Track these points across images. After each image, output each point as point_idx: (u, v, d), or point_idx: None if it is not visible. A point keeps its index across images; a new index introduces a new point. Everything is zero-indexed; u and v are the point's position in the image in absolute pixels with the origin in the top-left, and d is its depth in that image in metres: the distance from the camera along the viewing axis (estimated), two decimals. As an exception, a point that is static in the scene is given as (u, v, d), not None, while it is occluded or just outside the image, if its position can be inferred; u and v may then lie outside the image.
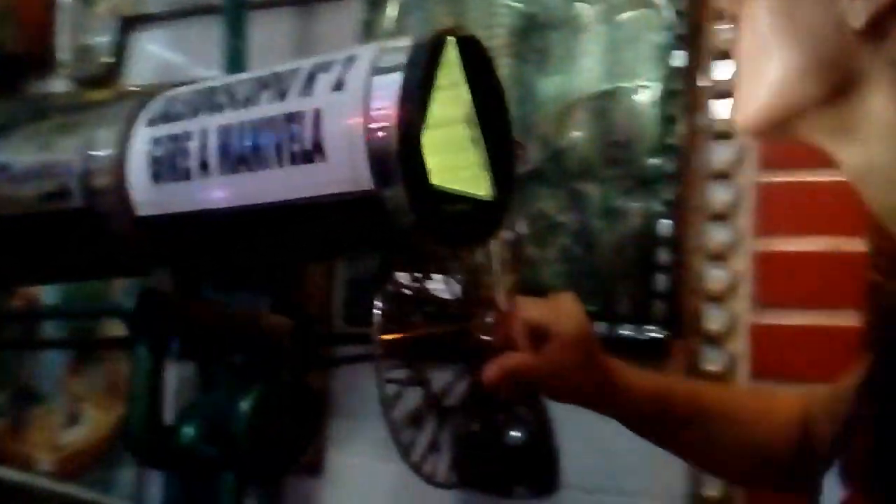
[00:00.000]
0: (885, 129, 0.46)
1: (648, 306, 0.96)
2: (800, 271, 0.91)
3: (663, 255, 0.96)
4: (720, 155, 0.96)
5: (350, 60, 0.45)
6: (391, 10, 1.16)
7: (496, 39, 1.06)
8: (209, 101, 0.50)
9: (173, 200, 0.50)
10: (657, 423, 0.69)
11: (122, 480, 1.28)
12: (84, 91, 1.41)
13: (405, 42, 0.45)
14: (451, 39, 0.47)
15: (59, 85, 1.53)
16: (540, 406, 0.95)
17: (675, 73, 0.97)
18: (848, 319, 0.88)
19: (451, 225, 0.47)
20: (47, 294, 1.40)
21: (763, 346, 0.93)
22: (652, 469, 0.95)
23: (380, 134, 0.42)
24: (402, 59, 0.44)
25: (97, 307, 1.20)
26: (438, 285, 0.69)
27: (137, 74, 1.45)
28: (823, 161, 0.89)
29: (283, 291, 0.68)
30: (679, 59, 0.97)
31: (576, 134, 1.02)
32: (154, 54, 1.46)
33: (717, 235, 0.95)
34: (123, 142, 0.52)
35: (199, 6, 1.36)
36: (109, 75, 1.47)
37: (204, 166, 0.48)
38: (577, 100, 1.02)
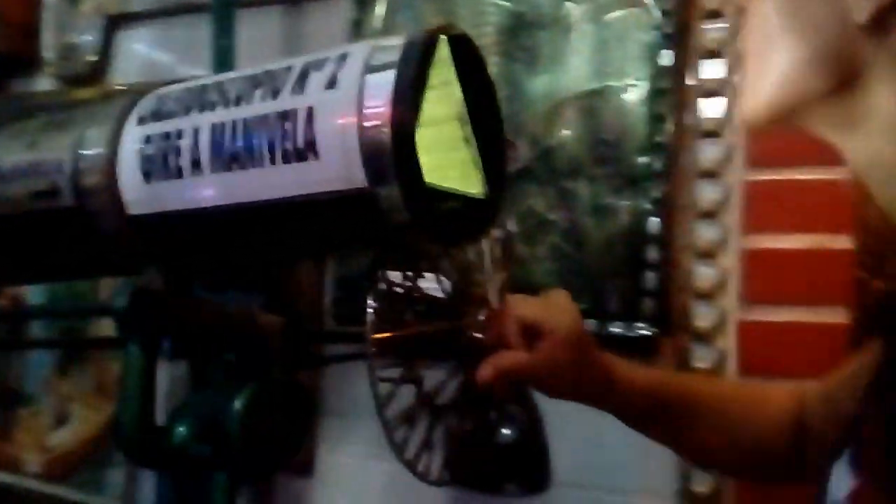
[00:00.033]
0: (888, 121, 0.47)
1: (638, 304, 0.96)
2: (787, 268, 0.92)
3: (652, 253, 0.96)
4: (708, 153, 0.97)
5: (343, 58, 0.45)
6: (379, 9, 1.16)
7: (484, 38, 1.06)
8: (201, 99, 0.49)
9: (165, 199, 0.50)
10: (652, 417, 0.70)
11: (112, 481, 1.28)
12: (69, 90, 1.40)
13: (398, 40, 0.45)
14: (443, 38, 0.47)
15: (43, 83, 1.52)
16: (531, 404, 0.95)
17: (662, 71, 0.98)
18: (834, 316, 0.88)
19: (444, 223, 0.47)
20: (33, 294, 1.39)
21: (751, 342, 0.93)
22: (642, 465, 0.96)
23: (374, 132, 0.42)
24: (395, 57, 0.44)
25: (88, 306, 1.19)
26: (430, 284, 0.69)
27: (123, 73, 1.45)
28: (810, 159, 0.91)
29: (274, 290, 0.68)
30: (667, 57, 0.98)
31: (565, 132, 1.02)
32: (140, 53, 1.45)
33: (705, 233, 0.96)
34: (114, 140, 0.52)
35: (186, 4, 1.35)
36: (95, 74, 1.46)
37: (196, 164, 0.48)
38: (565, 98, 1.02)
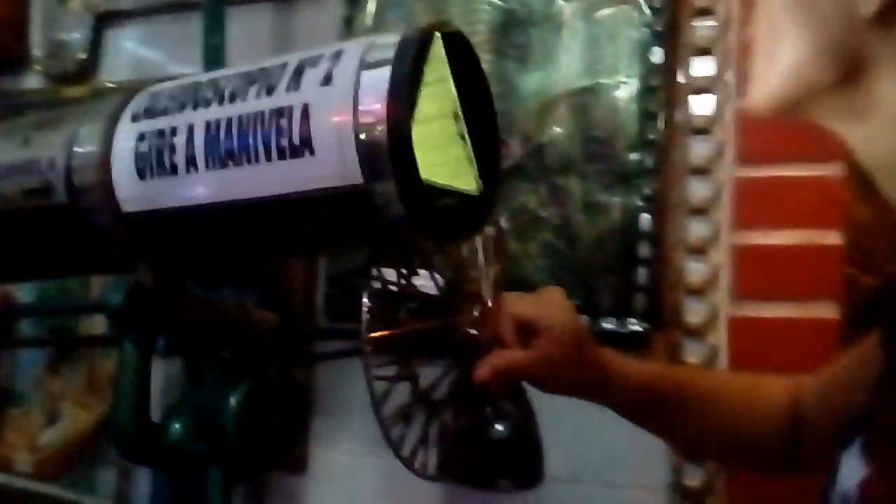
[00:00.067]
0: (894, 113, 0.47)
1: (630, 300, 0.97)
2: (777, 264, 0.93)
3: (644, 250, 0.97)
4: (698, 150, 0.97)
5: (338, 55, 0.45)
6: (370, 6, 1.16)
7: (476, 35, 1.06)
8: (195, 96, 0.49)
9: (159, 196, 0.50)
10: (648, 409, 0.70)
11: (104, 480, 1.27)
12: (59, 88, 1.40)
13: (393, 37, 0.45)
14: (437, 35, 0.47)
15: (32, 81, 1.51)
16: (524, 399, 0.95)
17: (653, 69, 0.98)
18: (824, 311, 0.89)
19: (439, 219, 0.47)
20: (23, 292, 1.38)
21: (741, 337, 0.94)
22: (634, 460, 0.96)
23: (370, 129, 0.42)
24: (390, 54, 0.44)
25: (81, 304, 1.19)
26: (423, 281, 0.69)
27: (112, 71, 1.44)
28: (799, 156, 0.92)
29: (268, 287, 0.68)
30: (657, 55, 0.98)
31: (556, 129, 1.02)
32: (129, 51, 1.44)
33: (696, 229, 0.96)
34: (108, 137, 0.51)
35: (175, 2, 1.35)
36: (83, 72, 1.45)
37: (191, 162, 0.48)
38: (557, 96, 1.03)
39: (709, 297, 0.95)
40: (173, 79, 0.54)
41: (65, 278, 1.20)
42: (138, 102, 0.52)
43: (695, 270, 0.96)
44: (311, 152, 0.44)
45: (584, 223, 1.00)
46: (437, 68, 0.48)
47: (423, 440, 0.65)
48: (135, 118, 0.51)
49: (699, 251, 0.96)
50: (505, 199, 1.01)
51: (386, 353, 0.63)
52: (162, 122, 0.50)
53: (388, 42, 0.45)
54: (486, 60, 1.05)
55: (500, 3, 1.07)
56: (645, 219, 0.97)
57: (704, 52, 0.97)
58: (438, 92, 0.49)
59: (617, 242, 0.98)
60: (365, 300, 0.62)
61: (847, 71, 0.48)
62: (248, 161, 0.46)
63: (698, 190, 0.97)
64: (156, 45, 1.41)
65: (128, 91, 0.53)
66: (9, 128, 0.58)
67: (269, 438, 0.56)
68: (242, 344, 0.57)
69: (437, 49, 0.48)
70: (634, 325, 0.96)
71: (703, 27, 0.97)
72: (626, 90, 0.99)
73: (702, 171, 0.97)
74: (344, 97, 0.43)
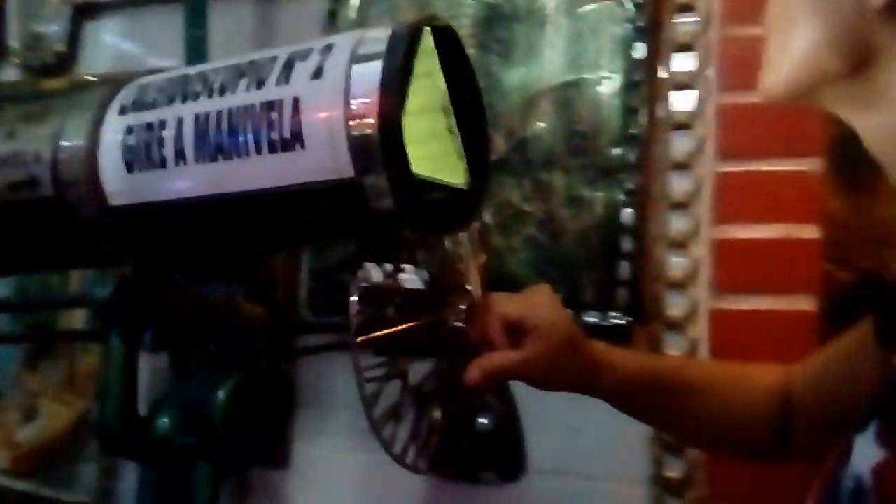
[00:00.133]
0: None
1: (612, 293, 0.97)
2: (757, 258, 0.94)
3: (626, 244, 0.98)
4: (679, 145, 0.98)
5: (328, 49, 0.45)
6: (354, 0, 1.16)
7: (460, 30, 1.05)
8: (184, 89, 0.49)
9: (148, 190, 0.50)
10: (639, 400, 0.71)
11: (84, 477, 1.26)
12: (39, 80, 1.38)
13: (383, 31, 0.45)
14: (427, 29, 0.47)
15: (9, 74, 1.49)
16: (507, 393, 0.96)
17: (635, 64, 0.99)
18: (803, 304, 0.91)
19: (429, 213, 0.48)
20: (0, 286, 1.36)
21: (722, 330, 0.95)
22: (615, 452, 0.97)
23: (361, 122, 0.43)
24: (381, 48, 0.44)
25: (66, 298, 1.18)
26: (409, 276, 0.69)
27: (91, 64, 1.42)
28: (779, 151, 0.93)
29: (253, 281, 0.68)
30: (639, 50, 0.99)
31: (540, 124, 1.03)
32: (109, 44, 1.42)
33: (677, 224, 0.97)
34: (95, 130, 0.51)
35: (157, -6, 1.33)
36: (62, 65, 1.43)
37: (180, 155, 0.48)
38: (540, 90, 1.03)
39: (689, 290, 0.96)
40: (157, 72, 0.54)
41: (51, 272, 1.19)
42: (126, 95, 0.52)
43: (675, 264, 0.97)
44: (302, 146, 0.44)
45: (568, 217, 1.00)
46: (427, 62, 0.49)
47: (413, 436, 0.65)
48: (122, 111, 0.51)
49: (680, 245, 0.97)
50: (489, 194, 1.02)
51: (376, 353, 0.63)
52: (150, 115, 0.50)
53: (378, 36, 0.45)
54: (469, 55, 1.05)
55: (483, -3, 1.07)
56: (627, 213, 0.98)
57: (686, 48, 0.98)
58: (428, 86, 0.49)
59: (599, 236, 0.99)
60: (353, 300, 0.61)
61: (858, 61, 0.49)
62: (238, 154, 0.46)
63: (679, 184, 0.98)
64: (136, 38, 1.39)
65: (115, 84, 0.53)
66: (-11, 120, 0.57)
67: (257, 432, 0.56)
68: (231, 338, 0.57)
69: (427, 43, 0.48)
70: (616, 319, 0.97)
71: (684, 23, 0.98)
72: (608, 85, 1.00)
73: (683, 166, 0.98)
74: (335, 91, 0.44)
